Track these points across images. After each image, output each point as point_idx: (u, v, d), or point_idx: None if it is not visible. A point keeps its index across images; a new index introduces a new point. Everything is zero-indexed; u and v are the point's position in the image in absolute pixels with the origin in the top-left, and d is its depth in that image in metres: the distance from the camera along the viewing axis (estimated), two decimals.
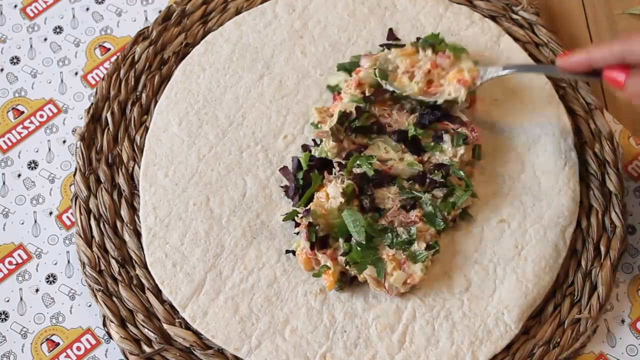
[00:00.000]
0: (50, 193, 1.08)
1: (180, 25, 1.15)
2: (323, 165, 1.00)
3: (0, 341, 1.00)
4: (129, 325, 0.98)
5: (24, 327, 1.01)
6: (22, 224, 1.06)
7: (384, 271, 0.94)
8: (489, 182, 1.03)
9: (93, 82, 1.15)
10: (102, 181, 1.05)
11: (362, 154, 0.99)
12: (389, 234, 0.95)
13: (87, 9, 1.19)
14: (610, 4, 1.21)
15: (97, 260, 1.01)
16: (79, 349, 1.00)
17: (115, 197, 1.05)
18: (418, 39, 1.07)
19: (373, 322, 0.96)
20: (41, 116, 1.13)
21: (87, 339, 1.01)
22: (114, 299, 0.99)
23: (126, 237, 1.03)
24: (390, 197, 0.97)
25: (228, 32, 1.12)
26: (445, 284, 0.97)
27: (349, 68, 1.08)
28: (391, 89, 1.01)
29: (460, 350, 0.94)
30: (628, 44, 0.84)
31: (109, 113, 1.09)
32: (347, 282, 0.97)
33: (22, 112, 1.13)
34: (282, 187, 1.02)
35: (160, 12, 1.17)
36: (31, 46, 1.17)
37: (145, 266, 1.00)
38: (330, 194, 0.96)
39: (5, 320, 1.01)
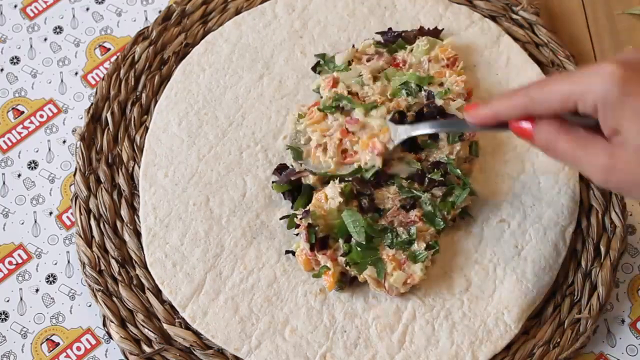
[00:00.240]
0: (50, 193, 1.08)
1: (180, 25, 1.15)
2: None
3: (0, 341, 1.00)
4: (129, 325, 0.98)
5: (24, 327, 1.01)
6: (22, 224, 1.06)
7: (384, 271, 0.94)
8: (489, 181, 1.03)
9: (93, 82, 1.15)
10: (102, 181, 1.05)
11: None
12: (389, 234, 0.95)
13: (87, 9, 1.19)
14: (610, 4, 1.21)
15: (97, 260, 1.01)
16: (79, 349, 1.00)
17: (115, 197, 1.05)
18: (418, 37, 1.07)
19: (373, 322, 0.96)
20: (41, 116, 1.13)
21: (87, 339, 1.01)
22: (114, 299, 0.99)
23: (126, 237, 1.03)
24: (389, 197, 0.97)
25: (228, 32, 1.12)
26: (445, 284, 0.97)
27: (322, 68, 1.08)
28: (309, 168, 0.99)
29: (460, 350, 0.94)
30: (528, 96, 0.78)
31: (109, 113, 1.09)
32: (347, 282, 0.97)
33: (22, 112, 1.13)
34: (283, 194, 1.02)
35: (160, 12, 1.17)
36: (31, 46, 1.17)
37: (145, 266, 1.00)
38: (329, 194, 0.96)
39: (5, 320, 1.01)
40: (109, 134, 1.08)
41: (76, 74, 1.15)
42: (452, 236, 1.00)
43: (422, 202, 0.97)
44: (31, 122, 1.12)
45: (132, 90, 1.11)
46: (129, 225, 1.03)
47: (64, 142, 1.11)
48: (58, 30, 1.18)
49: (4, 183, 1.09)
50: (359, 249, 0.94)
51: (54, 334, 1.01)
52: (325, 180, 0.99)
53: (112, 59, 1.15)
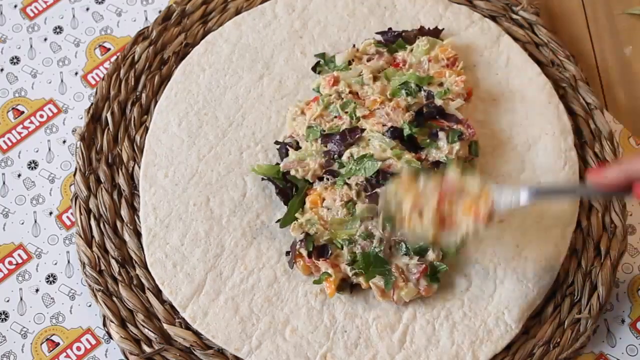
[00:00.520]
0: (50, 193, 1.08)
1: (180, 25, 1.15)
2: None
3: (0, 341, 1.00)
4: (129, 325, 0.98)
5: (24, 327, 1.01)
6: (22, 224, 1.06)
7: (392, 282, 0.93)
8: (489, 181, 1.02)
9: (93, 82, 1.15)
10: (102, 181, 1.05)
11: (358, 155, 0.98)
12: (403, 243, 0.95)
13: (87, 9, 1.19)
14: (610, 4, 1.21)
15: (97, 260, 1.01)
16: (79, 349, 1.00)
17: (115, 197, 1.05)
18: (418, 36, 1.07)
19: (373, 322, 0.96)
20: (41, 116, 1.13)
21: (87, 339, 1.01)
22: (114, 299, 0.99)
23: (126, 237, 1.02)
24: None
25: (228, 32, 1.12)
26: (445, 284, 0.97)
27: (322, 68, 1.09)
28: (405, 237, 0.92)
29: (460, 350, 0.94)
30: None
31: (109, 113, 1.09)
32: (348, 288, 0.96)
33: (22, 112, 1.13)
34: (277, 195, 1.02)
35: (160, 12, 1.17)
36: (31, 46, 1.17)
37: (145, 266, 1.00)
38: (327, 203, 0.96)
39: (5, 320, 1.01)
40: (109, 134, 1.08)
41: (76, 74, 1.15)
42: None
43: None
44: (31, 122, 1.12)
45: (132, 90, 1.11)
46: (129, 225, 1.03)
47: (64, 142, 1.11)
48: (58, 30, 1.18)
49: (4, 183, 1.09)
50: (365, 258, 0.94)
51: (54, 334, 1.01)
52: (318, 177, 0.99)
53: (112, 59, 1.15)
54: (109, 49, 1.17)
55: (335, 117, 1.02)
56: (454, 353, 0.94)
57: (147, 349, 0.96)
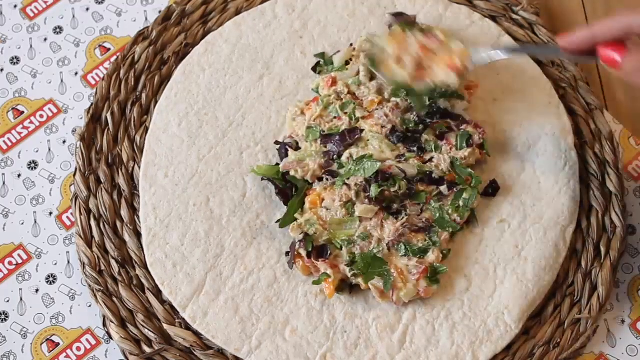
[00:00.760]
0: (50, 193, 1.08)
1: (180, 26, 1.15)
2: None
3: (0, 341, 1.00)
4: (129, 326, 0.98)
5: (24, 328, 1.01)
6: (22, 224, 1.06)
7: (390, 283, 0.93)
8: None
9: (93, 82, 1.15)
10: (102, 181, 1.05)
11: (357, 156, 0.98)
12: (402, 244, 0.95)
13: (87, 9, 1.19)
14: (610, 4, 1.21)
15: (97, 260, 1.01)
16: (79, 349, 1.00)
17: (115, 197, 1.05)
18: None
19: (373, 322, 0.96)
20: (41, 116, 1.13)
21: (87, 339, 1.01)
22: (114, 299, 0.99)
23: (126, 237, 1.02)
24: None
25: (228, 33, 1.12)
26: (445, 284, 0.97)
27: (322, 68, 1.09)
28: (382, 78, 0.99)
29: (460, 351, 0.94)
30: (632, 16, 0.83)
31: (109, 113, 1.09)
32: (347, 289, 0.97)
33: (22, 112, 1.13)
34: (277, 195, 1.02)
35: (160, 12, 1.17)
36: (31, 46, 1.17)
37: (145, 266, 1.00)
38: (327, 203, 0.96)
39: (5, 320, 1.01)
40: (109, 134, 1.08)
41: (76, 74, 1.15)
42: (453, 237, 0.99)
43: (432, 209, 0.97)
44: (31, 122, 1.12)
45: (132, 91, 1.11)
46: (129, 225, 1.03)
47: (64, 142, 1.11)
48: (58, 30, 1.18)
49: (4, 183, 1.09)
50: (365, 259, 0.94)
51: (54, 334, 1.01)
52: (318, 177, 0.99)
53: (112, 59, 1.15)
54: (109, 49, 1.17)
55: (335, 117, 1.02)
56: (454, 353, 0.94)
57: (147, 349, 0.96)
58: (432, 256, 0.95)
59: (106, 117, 1.09)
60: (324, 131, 1.01)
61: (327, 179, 0.98)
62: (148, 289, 1.00)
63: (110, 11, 1.19)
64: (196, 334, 0.97)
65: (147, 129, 1.07)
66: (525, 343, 0.97)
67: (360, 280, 0.94)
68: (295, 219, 0.97)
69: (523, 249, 0.99)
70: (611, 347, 0.99)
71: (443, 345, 0.94)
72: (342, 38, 1.11)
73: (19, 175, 1.09)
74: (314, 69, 1.09)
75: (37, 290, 1.03)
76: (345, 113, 1.02)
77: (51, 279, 1.03)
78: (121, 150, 1.07)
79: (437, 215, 0.97)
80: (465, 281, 0.97)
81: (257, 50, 1.11)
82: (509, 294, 0.96)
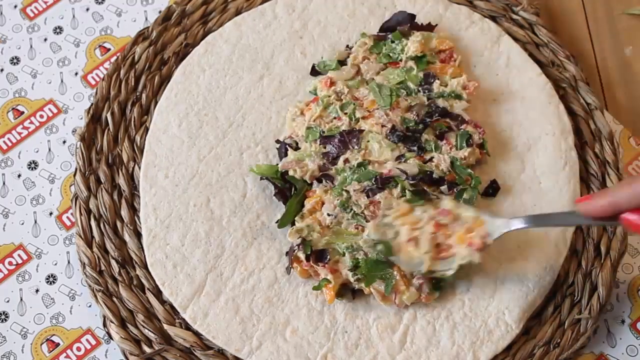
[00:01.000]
0: (50, 193, 1.08)
1: (180, 26, 1.15)
2: None
3: (0, 341, 1.00)
4: (129, 326, 0.98)
5: (24, 328, 1.01)
6: (22, 224, 1.06)
7: (392, 286, 0.93)
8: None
9: (93, 83, 1.15)
10: (102, 181, 1.05)
11: (355, 160, 0.99)
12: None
13: (87, 9, 1.19)
14: (610, 4, 1.21)
15: (97, 260, 1.01)
16: (79, 349, 1.00)
17: (115, 197, 1.05)
18: (412, 32, 1.07)
19: (374, 323, 0.96)
20: (41, 116, 1.13)
21: (87, 340, 1.01)
22: (114, 299, 0.99)
23: (126, 237, 1.02)
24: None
25: (228, 33, 1.12)
26: (446, 285, 0.97)
27: (320, 70, 1.08)
28: (400, 264, 0.93)
29: (461, 351, 0.94)
30: None
31: (109, 113, 1.09)
32: (348, 293, 0.96)
33: (22, 113, 1.13)
34: (275, 195, 1.01)
35: (160, 12, 1.17)
36: (31, 46, 1.17)
37: (145, 266, 1.00)
38: (327, 208, 0.96)
39: (5, 320, 1.01)
40: (109, 135, 1.08)
41: (76, 74, 1.15)
42: None
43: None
44: (31, 123, 1.12)
45: (132, 91, 1.11)
46: (129, 225, 1.03)
47: (64, 142, 1.11)
48: (58, 30, 1.18)
49: (4, 183, 1.09)
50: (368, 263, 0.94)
51: (54, 335, 1.01)
52: (316, 178, 0.99)
53: (112, 59, 1.15)
54: (109, 49, 1.17)
55: (335, 118, 1.02)
56: (455, 353, 0.94)
57: (147, 350, 0.96)
58: None
59: (106, 117, 1.09)
60: (323, 131, 1.01)
61: (325, 182, 0.98)
62: (148, 289, 1.00)
63: (110, 11, 1.19)
64: (196, 334, 0.97)
65: (147, 129, 1.07)
66: (525, 343, 0.97)
67: (363, 285, 0.94)
68: (294, 222, 0.97)
69: (524, 249, 0.99)
70: (611, 347, 0.99)
71: (444, 345, 0.94)
72: (342, 38, 1.11)
73: (19, 176, 1.09)
74: (312, 73, 1.09)
75: (37, 291, 1.03)
76: (345, 113, 1.02)
77: (51, 279, 1.03)
78: (121, 151, 1.07)
79: None
80: (465, 281, 0.97)
81: (257, 51, 1.11)
82: (509, 294, 0.96)
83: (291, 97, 1.08)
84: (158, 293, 0.99)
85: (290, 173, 0.99)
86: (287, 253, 0.98)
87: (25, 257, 1.05)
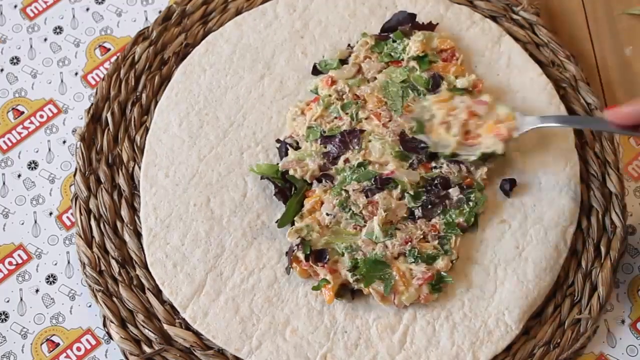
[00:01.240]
0: (50, 193, 1.08)
1: (180, 26, 1.15)
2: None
3: (0, 341, 1.00)
4: (129, 326, 0.98)
5: (24, 328, 1.01)
6: (22, 224, 1.06)
7: (391, 286, 0.93)
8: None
9: (93, 82, 1.15)
10: (102, 181, 1.05)
11: (355, 161, 0.99)
12: (410, 250, 0.95)
13: (87, 9, 1.19)
14: (610, 4, 1.21)
15: (97, 260, 1.01)
16: (79, 349, 1.00)
17: (115, 197, 1.05)
18: (413, 31, 1.07)
19: (374, 323, 0.96)
20: (41, 116, 1.13)
21: (87, 340, 1.01)
22: (114, 299, 0.99)
23: (126, 237, 1.02)
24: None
25: (228, 33, 1.12)
26: (446, 285, 0.97)
27: (322, 69, 1.08)
28: (429, 143, 0.99)
29: (461, 351, 0.94)
30: None
31: (109, 113, 1.09)
32: (348, 294, 0.96)
33: (22, 113, 1.13)
34: (275, 195, 1.01)
35: (160, 12, 1.17)
36: (31, 46, 1.17)
37: (145, 266, 1.00)
38: (326, 209, 0.96)
39: (5, 320, 1.01)
40: (109, 134, 1.08)
41: (76, 74, 1.15)
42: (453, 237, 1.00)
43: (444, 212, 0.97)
44: (31, 123, 1.12)
45: (132, 91, 1.11)
46: (129, 225, 1.03)
47: (64, 142, 1.11)
48: (58, 30, 1.18)
49: (4, 183, 1.09)
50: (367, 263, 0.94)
51: (54, 335, 1.01)
52: (316, 178, 0.99)
53: (112, 59, 1.15)
54: (109, 49, 1.17)
55: (336, 117, 1.02)
56: (454, 354, 0.94)
57: (147, 350, 0.96)
58: (441, 263, 0.95)
59: (106, 117, 1.09)
60: (324, 131, 1.01)
61: (325, 182, 0.98)
62: (148, 289, 1.00)
63: (110, 11, 1.19)
64: (196, 334, 0.97)
65: (147, 129, 1.07)
66: (525, 343, 0.97)
67: (362, 286, 0.94)
68: (294, 222, 0.97)
69: (523, 249, 0.99)
70: (611, 347, 0.99)
71: (443, 345, 0.94)
72: (343, 38, 1.11)
73: (19, 176, 1.09)
74: (313, 73, 1.09)
75: (37, 291, 1.03)
76: (347, 113, 1.02)
77: (51, 279, 1.03)
78: (121, 150, 1.07)
79: (444, 220, 0.97)
80: (465, 282, 0.97)
81: (258, 50, 1.11)
82: (509, 295, 0.96)
83: (292, 96, 1.08)
84: (158, 293, 0.99)
85: (291, 172, 0.99)
86: (286, 253, 0.98)
87: (25, 257, 1.05)
